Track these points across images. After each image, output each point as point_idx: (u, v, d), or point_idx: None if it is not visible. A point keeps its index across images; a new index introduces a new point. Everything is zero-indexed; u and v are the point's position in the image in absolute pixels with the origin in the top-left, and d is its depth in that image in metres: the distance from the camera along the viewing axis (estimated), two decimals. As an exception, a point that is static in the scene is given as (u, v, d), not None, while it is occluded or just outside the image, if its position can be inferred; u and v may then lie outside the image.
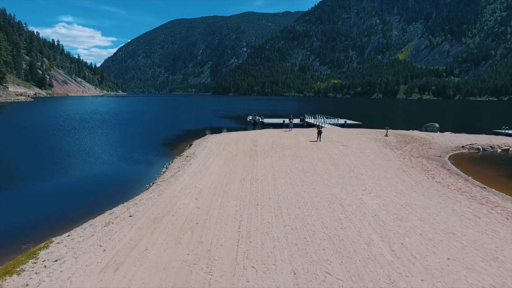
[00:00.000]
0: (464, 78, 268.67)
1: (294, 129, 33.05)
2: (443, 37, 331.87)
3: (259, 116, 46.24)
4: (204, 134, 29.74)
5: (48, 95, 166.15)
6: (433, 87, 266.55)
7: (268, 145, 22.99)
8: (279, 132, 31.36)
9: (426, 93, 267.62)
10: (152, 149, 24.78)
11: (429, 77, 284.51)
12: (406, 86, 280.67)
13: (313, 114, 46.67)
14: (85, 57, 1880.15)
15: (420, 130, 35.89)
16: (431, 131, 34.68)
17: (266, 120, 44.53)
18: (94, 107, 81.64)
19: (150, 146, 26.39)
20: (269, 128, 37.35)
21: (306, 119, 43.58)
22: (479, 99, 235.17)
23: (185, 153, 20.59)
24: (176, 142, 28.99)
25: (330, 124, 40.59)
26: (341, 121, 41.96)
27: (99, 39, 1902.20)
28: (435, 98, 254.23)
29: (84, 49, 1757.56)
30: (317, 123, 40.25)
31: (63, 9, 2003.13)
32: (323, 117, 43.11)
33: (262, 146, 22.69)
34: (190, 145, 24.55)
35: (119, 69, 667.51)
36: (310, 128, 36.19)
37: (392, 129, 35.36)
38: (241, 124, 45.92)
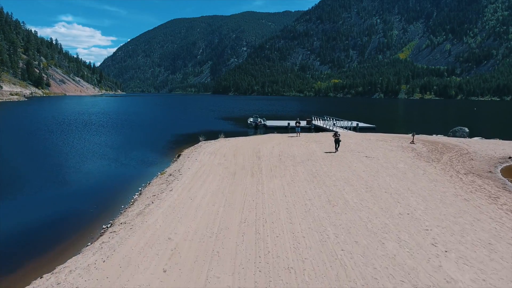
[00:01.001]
0: (465, 78, 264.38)
1: (302, 134, 28.62)
2: (444, 36, 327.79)
3: (261, 118, 42.05)
4: (198, 141, 25.26)
5: (44, 95, 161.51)
6: (434, 87, 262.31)
7: (274, 157, 18.48)
8: (285, 138, 26.79)
9: (428, 93, 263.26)
10: (130, 162, 20.13)
11: (430, 77, 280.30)
12: (408, 86, 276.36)
13: (321, 116, 42.22)
14: (85, 56, 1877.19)
15: (447, 135, 31.35)
16: (460, 137, 30.12)
17: (269, 123, 40.17)
18: (86, 107, 76.87)
19: (130, 157, 21.66)
20: (273, 132, 32.92)
21: (313, 122, 39.11)
22: (481, 99, 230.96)
23: (169, 170, 16.00)
24: (163, 150, 24.40)
25: (341, 127, 36.16)
26: (353, 123, 37.44)
27: (99, 38, 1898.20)
28: (436, 98, 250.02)
29: (84, 48, 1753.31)
30: (329, 127, 35.69)
31: (63, 9, 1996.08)
32: (332, 119, 38.47)
33: (267, 158, 18.20)
34: (179, 156, 20.04)
35: (118, 68, 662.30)
36: (321, 133, 31.67)
37: (410, 133, 30.87)
38: (241, 127, 41.44)
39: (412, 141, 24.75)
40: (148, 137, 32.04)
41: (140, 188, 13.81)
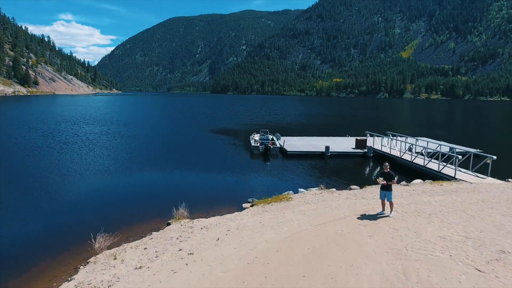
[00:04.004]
0: (471, 77, 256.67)
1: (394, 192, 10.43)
2: (448, 35, 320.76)
3: (272, 134, 26.57)
4: (116, 244, 8.38)
5: (29, 93, 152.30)
6: (441, 86, 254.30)
7: None
8: (361, 230, 8.26)
9: (434, 92, 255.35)
10: None
11: (435, 76, 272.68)
12: (413, 85, 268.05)
13: (377, 133, 23.57)
14: (84, 55, 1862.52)
15: None
16: None
17: (289, 144, 23.71)
18: (59, 111, 65.80)
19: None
20: (301, 166, 17.45)
21: (369, 144, 22.56)
22: (490, 99, 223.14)
23: None
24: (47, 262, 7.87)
25: (442, 161, 16.49)
26: (440, 146, 18.87)
27: (98, 37, 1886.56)
28: (443, 98, 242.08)
29: (83, 47, 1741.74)
30: (417, 160, 17.24)
31: (62, 7, 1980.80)
32: (399, 138, 21.36)
33: None
34: None
35: (116, 67, 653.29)
36: (442, 198, 11.36)
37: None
38: (239, 154, 23.67)
39: None
40: (65, 194, 13.92)
41: None
